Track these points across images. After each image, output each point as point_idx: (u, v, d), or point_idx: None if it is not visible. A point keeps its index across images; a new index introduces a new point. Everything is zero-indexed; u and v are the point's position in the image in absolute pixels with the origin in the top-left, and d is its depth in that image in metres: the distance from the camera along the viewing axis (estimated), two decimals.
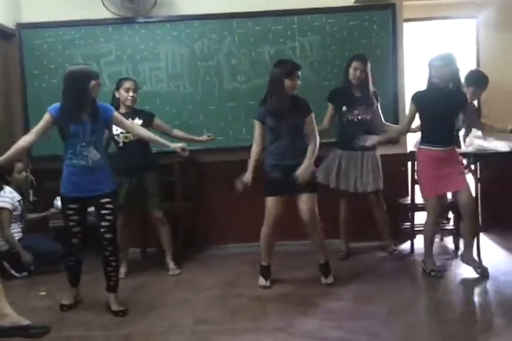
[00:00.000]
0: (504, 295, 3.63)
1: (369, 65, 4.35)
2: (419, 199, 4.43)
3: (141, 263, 4.74)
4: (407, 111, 4.29)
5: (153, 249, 4.87)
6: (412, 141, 5.18)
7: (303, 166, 3.74)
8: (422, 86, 4.04)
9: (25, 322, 3.01)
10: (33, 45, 4.94)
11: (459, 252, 4.58)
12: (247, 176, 3.84)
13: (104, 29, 4.93)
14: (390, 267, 4.35)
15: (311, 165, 3.79)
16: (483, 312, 3.44)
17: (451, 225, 4.89)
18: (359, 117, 4.38)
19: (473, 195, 4.04)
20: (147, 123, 4.23)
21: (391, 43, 4.88)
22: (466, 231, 4.09)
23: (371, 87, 4.40)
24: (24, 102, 4.98)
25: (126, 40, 4.94)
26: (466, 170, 4.25)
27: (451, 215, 4.88)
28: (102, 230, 3.47)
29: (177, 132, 4.42)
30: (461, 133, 4.61)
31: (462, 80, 4.24)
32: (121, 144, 4.24)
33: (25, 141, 3.40)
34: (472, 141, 4.61)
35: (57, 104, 3.42)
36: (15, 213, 4.42)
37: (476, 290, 3.82)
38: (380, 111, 4.51)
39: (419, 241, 4.33)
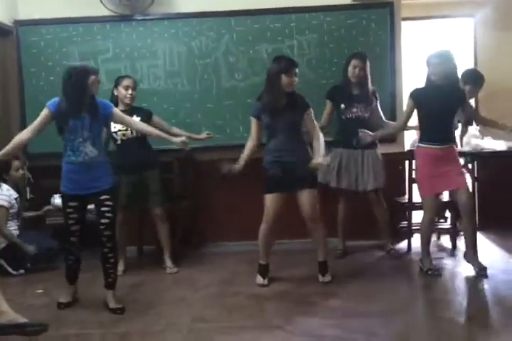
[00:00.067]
0: (501, 294, 3.63)
1: (368, 63, 4.35)
2: (416, 198, 4.43)
3: (138, 261, 4.75)
4: (404, 109, 4.29)
5: (149, 247, 4.86)
6: (410, 139, 5.20)
7: (320, 158, 3.71)
8: (420, 85, 4.04)
9: (22, 319, 3.01)
10: (30, 42, 4.92)
11: (456, 251, 4.61)
12: (237, 165, 3.84)
13: (101, 26, 4.92)
14: (387, 266, 4.35)
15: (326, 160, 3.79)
16: (481, 311, 3.44)
17: (448, 224, 4.89)
18: (357, 115, 4.39)
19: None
20: (145, 121, 4.21)
21: (389, 42, 4.87)
22: (465, 230, 4.09)
23: (370, 86, 4.40)
24: (21, 99, 4.97)
25: (123, 38, 4.93)
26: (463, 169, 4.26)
27: (448, 214, 4.88)
28: (101, 227, 3.47)
29: (175, 130, 4.41)
30: (457, 132, 4.61)
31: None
32: (119, 142, 4.25)
33: (23, 135, 3.40)
34: (469, 140, 4.62)
35: (56, 99, 3.42)
36: (11, 211, 4.41)
37: (474, 289, 3.82)
38: (380, 110, 4.51)
39: (417, 240, 4.34)
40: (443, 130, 3.95)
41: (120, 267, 4.25)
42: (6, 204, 4.34)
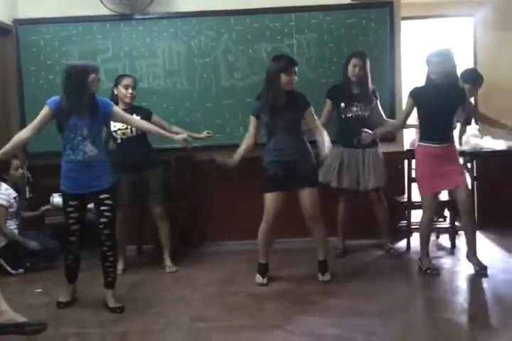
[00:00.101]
0: (501, 293, 3.63)
1: (368, 62, 4.35)
2: (415, 197, 4.44)
3: (137, 260, 4.74)
4: (404, 108, 4.29)
5: (149, 246, 4.86)
6: (409, 139, 5.20)
7: (327, 148, 3.70)
8: (420, 83, 4.04)
9: (21, 319, 3.01)
10: (29, 41, 4.92)
11: (455, 250, 4.61)
12: (232, 160, 3.87)
13: (101, 25, 4.91)
14: (386, 265, 4.35)
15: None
16: (480, 310, 3.44)
17: (447, 223, 4.89)
18: (357, 114, 4.39)
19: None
20: (145, 120, 4.22)
21: (389, 41, 4.87)
22: (465, 229, 4.09)
23: (370, 85, 4.40)
24: (21, 98, 4.96)
25: (123, 37, 4.92)
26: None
27: (447, 213, 4.88)
28: (100, 226, 3.47)
29: (175, 129, 4.40)
30: (456, 132, 4.61)
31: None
32: (119, 141, 4.25)
33: (22, 134, 3.40)
34: (469, 140, 4.63)
35: (57, 97, 3.42)
36: (11, 210, 4.40)
37: (473, 289, 3.82)
38: (381, 109, 4.51)
39: (416, 239, 4.33)
40: (443, 129, 3.95)
41: (119, 266, 4.25)
42: (5, 203, 4.33)
